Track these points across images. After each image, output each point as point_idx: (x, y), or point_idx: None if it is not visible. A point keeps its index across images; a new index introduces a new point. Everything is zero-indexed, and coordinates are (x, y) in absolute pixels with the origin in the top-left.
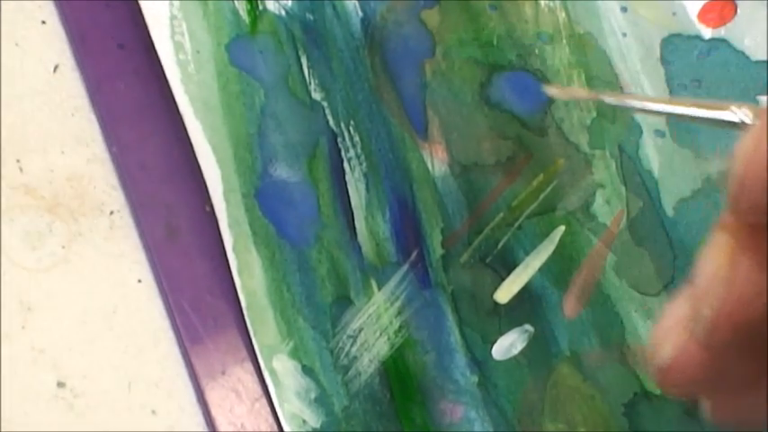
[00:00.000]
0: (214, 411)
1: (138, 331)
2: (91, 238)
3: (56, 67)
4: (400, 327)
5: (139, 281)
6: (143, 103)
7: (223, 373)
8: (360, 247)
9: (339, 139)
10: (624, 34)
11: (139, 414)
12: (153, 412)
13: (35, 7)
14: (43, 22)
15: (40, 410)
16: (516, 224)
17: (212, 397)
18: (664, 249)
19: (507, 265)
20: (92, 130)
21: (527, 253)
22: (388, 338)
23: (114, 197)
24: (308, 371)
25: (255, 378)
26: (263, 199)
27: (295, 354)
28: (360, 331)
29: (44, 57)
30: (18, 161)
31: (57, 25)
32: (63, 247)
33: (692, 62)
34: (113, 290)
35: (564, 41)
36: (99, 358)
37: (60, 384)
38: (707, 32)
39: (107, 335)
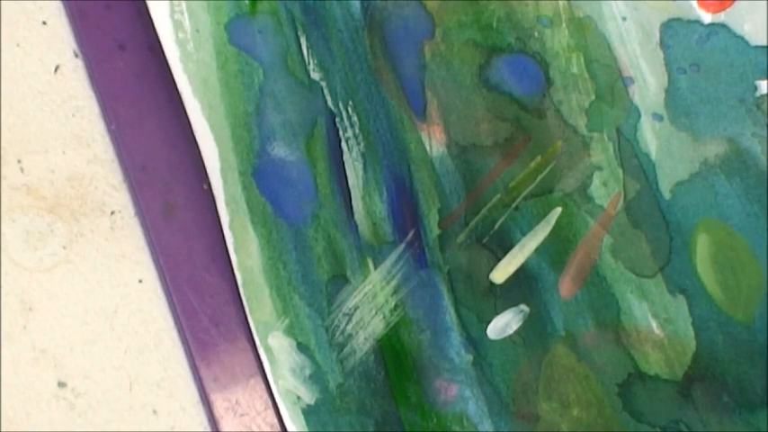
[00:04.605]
0: (209, 388)
1: (139, 331)
2: (92, 238)
3: (57, 68)
4: (396, 305)
5: (140, 281)
6: (142, 81)
7: (218, 349)
8: (356, 227)
9: (337, 119)
10: (624, 18)
11: (141, 414)
12: (154, 412)
13: (36, 8)
14: (44, 23)
15: (41, 410)
16: (513, 205)
17: (207, 374)
18: (660, 232)
19: (504, 246)
20: (93, 130)
21: (524, 234)
22: (384, 317)
23: (115, 198)
24: (303, 348)
25: (251, 355)
26: (261, 177)
27: (290, 331)
28: (355, 309)
29: (45, 57)
30: (19, 161)
31: (58, 26)
32: (64, 248)
33: (691, 47)
34: (114, 290)
35: (563, 25)
36: (100, 358)
37: (61, 384)
38: (707, 17)
39: (108, 335)
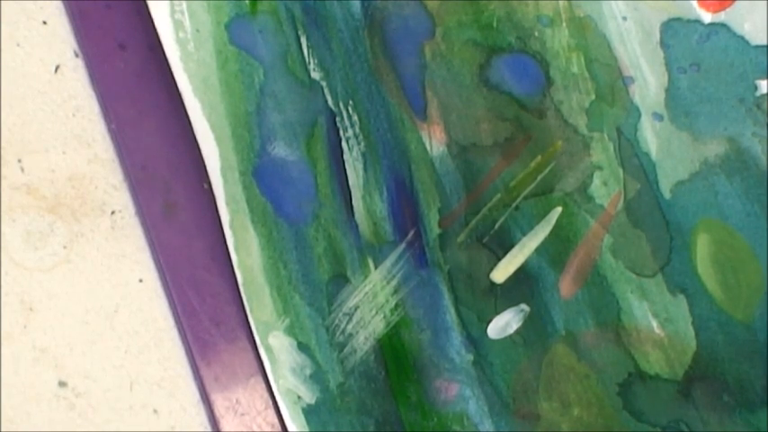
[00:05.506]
0: (209, 388)
1: (139, 331)
2: (92, 238)
3: (57, 68)
4: (396, 305)
5: (141, 281)
6: (142, 81)
7: (218, 349)
8: (357, 226)
9: (338, 119)
10: (624, 18)
11: (141, 413)
12: (154, 412)
13: (36, 8)
14: (44, 23)
15: (41, 410)
16: (514, 205)
17: (207, 373)
18: (660, 231)
19: (504, 246)
20: (93, 130)
21: (524, 233)
22: (384, 316)
23: (116, 197)
24: (303, 348)
25: (251, 354)
26: (261, 177)
27: (291, 331)
28: (356, 309)
29: (45, 57)
30: (19, 161)
31: (58, 26)
32: (64, 247)
33: (691, 46)
34: (115, 290)
35: (564, 24)
36: (100, 358)
37: (62, 384)
38: (707, 17)
39: (108, 334)
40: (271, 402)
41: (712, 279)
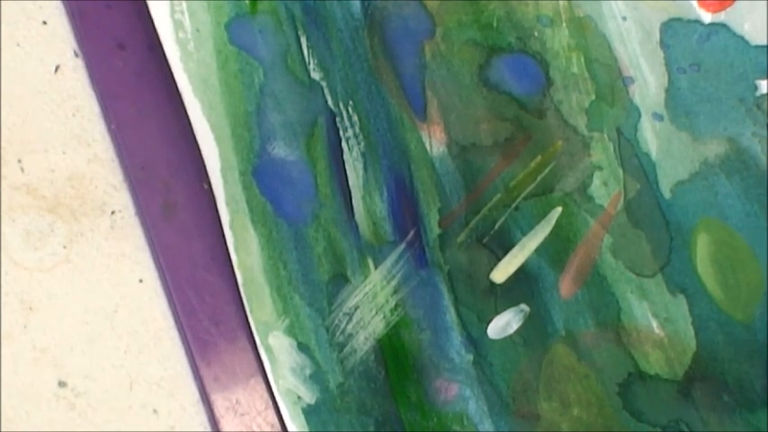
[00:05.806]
0: (209, 387)
1: (139, 331)
2: (92, 237)
3: (57, 68)
4: (396, 305)
5: (141, 281)
6: (142, 81)
7: (218, 349)
8: (357, 226)
9: (337, 119)
10: (624, 18)
11: (141, 413)
12: (154, 412)
13: (36, 8)
14: (44, 23)
15: (41, 410)
16: (513, 205)
17: (207, 373)
18: (660, 231)
19: (504, 246)
20: (93, 130)
21: (524, 233)
22: (384, 317)
23: (115, 197)
24: (303, 348)
25: (251, 354)
26: (261, 177)
27: (291, 331)
28: (356, 309)
29: (45, 57)
30: (19, 161)
31: (58, 26)
32: (64, 247)
33: (691, 46)
34: (114, 290)
35: (564, 24)
36: (100, 358)
37: (62, 384)
38: (707, 17)
39: (108, 334)
40: (271, 402)
41: (712, 279)
